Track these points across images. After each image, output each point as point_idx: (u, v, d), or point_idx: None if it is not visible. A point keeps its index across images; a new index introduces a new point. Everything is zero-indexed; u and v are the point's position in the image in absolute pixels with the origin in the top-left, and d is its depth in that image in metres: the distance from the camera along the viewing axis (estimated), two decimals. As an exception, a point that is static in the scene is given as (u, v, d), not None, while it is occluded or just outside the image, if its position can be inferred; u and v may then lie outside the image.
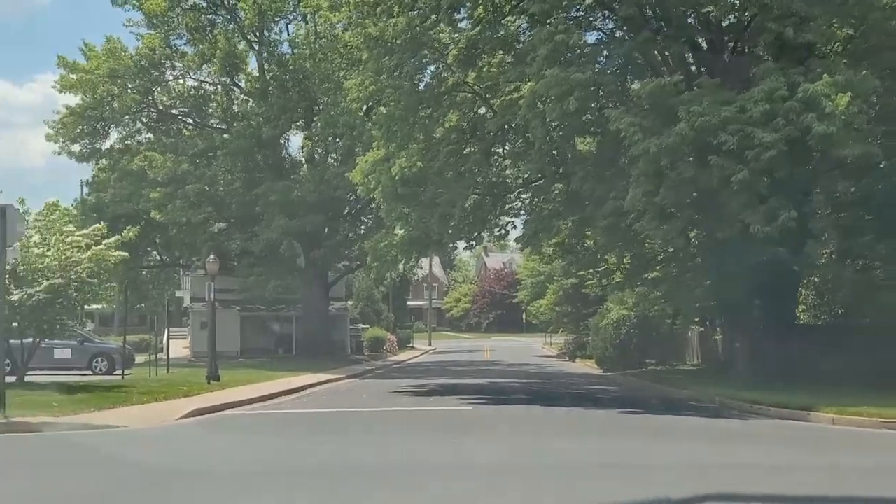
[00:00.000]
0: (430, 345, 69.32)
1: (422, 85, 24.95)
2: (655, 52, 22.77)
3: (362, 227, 43.86)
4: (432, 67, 25.63)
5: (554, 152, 23.08)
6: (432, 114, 24.75)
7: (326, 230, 41.64)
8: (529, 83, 21.47)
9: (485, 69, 24.13)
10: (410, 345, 63.66)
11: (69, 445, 12.30)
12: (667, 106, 18.72)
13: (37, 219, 22.00)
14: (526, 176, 25.05)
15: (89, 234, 22.05)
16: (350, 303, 53.50)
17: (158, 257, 47.89)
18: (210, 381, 23.94)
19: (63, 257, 20.90)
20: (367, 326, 54.18)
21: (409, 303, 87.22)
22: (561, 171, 23.49)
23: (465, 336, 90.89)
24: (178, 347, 44.19)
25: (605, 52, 21.86)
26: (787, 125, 17.31)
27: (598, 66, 21.41)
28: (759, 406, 17.68)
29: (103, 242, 21.91)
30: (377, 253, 26.14)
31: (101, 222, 23.88)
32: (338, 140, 39.76)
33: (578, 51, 21.21)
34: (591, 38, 23.46)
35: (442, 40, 24.99)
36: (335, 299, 46.78)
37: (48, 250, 20.97)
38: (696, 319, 34.47)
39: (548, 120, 20.25)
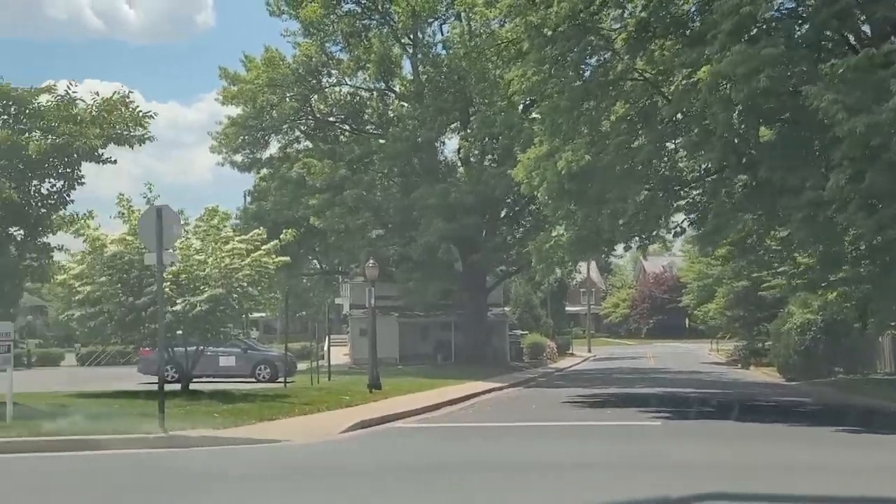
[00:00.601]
0: (589, 351, 67.31)
1: (586, 74, 23.36)
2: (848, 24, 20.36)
3: (520, 229, 42.65)
4: (595, 57, 24.03)
5: (735, 140, 20.96)
6: (598, 105, 23.10)
7: (484, 233, 40.68)
8: (705, 67, 19.60)
9: (656, 53, 22.25)
10: (570, 351, 61.92)
11: (226, 462, 11.44)
12: (875, 80, 16.41)
13: (197, 224, 21.81)
14: (704, 168, 23.00)
15: (249, 240, 21.71)
16: (508, 308, 52.29)
17: (317, 265, 48.26)
18: (372, 389, 23.18)
19: (222, 265, 20.56)
20: (526, 332, 52.83)
21: (566, 308, 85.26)
22: (744, 160, 21.32)
23: (624, 342, 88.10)
24: (339, 354, 44.23)
25: (796, 26, 19.59)
26: None
27: (785, 40, 19.19)
28: None
29: (262, 248, 21.51)
30: (542, 254, 24.67)
31: (261, 228, 23.58)
32: (495, 140, 38.59)
33: (765, 25, 19.12)
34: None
35: (605, 27, 23.38)
36: (493, 305, 45.70)
37: (208, 257, 20.68)
38: (893, 323, 31.35)
39: (734, 103, 18.24)
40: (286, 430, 14.24)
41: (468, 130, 39.97)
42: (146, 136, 19.17)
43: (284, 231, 23.04)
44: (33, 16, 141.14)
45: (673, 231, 24.73)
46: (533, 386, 30.59)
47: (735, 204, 22.53)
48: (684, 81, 21.39)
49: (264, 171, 44.18)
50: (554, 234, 26.22)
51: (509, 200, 40.52)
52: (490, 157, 40.99)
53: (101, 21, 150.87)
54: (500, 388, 27.29)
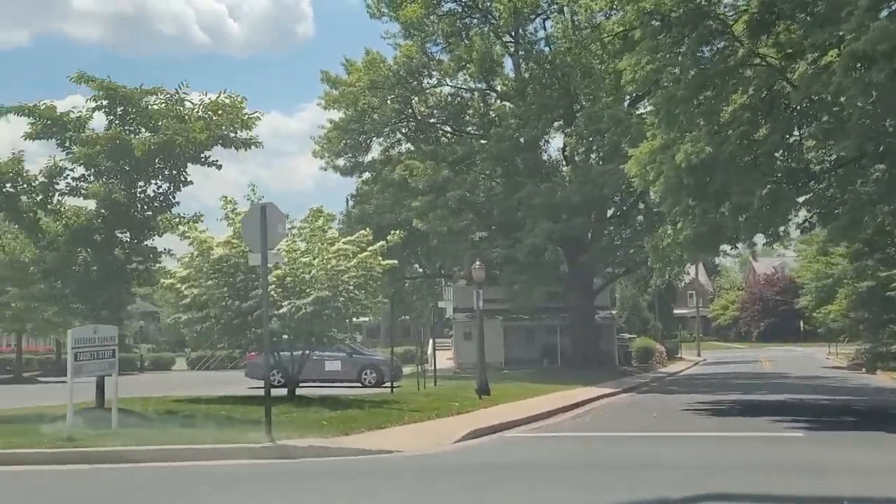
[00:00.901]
0: (698, 355, 65.20)
1: (703, 61, 21.98)
2: None
3: (628, 230, 41.17)
4: (709, 45, 22.63)
5: (873, 126, 19.30)
6: (717, 94, 21.71)
7: (591, 233, 39.40)
8: (832, 51, 18.11)
9: (781, 35, 20.73)
10: (678, 355, 59.97)
11: (339, 479, 10.72)
12: None
13: (301, 226, 21.41)
14: (834, 157, 21.34)
15: (355, 241, 21.19)
16: (615, 311, 50.81)
17: (420, 269, 47.83)
18: (481, 395, 22.39)
19: (328, 266, 20.06)
20: (634, 336, 51.28)
21: (674, 311, 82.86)
22: (882, 148, 19.63)
23: (734, 346, 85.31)
24: (442, 358, 43.56)
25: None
26: None
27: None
28: None
29: (368, 249, 20.95)
30: (659, 252, 23.41)
31: (367, 229, 23.06)
32: (601, 137, 37.28)
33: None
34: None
35: (721, 13, 22.00)
36: (600, 308, 44.31)
37: (313, 259, 20.23)
38: None
39: (873, 85, 16.70)
40: (397, 440, 13.51)
41: (573, 128, 38.81)
42: (252, 141, 18.74)
43: (392, 232, 22.46)
44: (145, 32, 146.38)
45: (802, 227, 23.05)
46: (646, 391, 29.30)
47: (870, 196, 20.82)
48: (813, 65, 19.85)
49: (366, 174, 44.02)
50: (670, 229, 24.89)
51: (617, 199, 39.23)
52: (596, 154, 39.69)
53: (206, 35, 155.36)
54: (613, 394, 26.15)
